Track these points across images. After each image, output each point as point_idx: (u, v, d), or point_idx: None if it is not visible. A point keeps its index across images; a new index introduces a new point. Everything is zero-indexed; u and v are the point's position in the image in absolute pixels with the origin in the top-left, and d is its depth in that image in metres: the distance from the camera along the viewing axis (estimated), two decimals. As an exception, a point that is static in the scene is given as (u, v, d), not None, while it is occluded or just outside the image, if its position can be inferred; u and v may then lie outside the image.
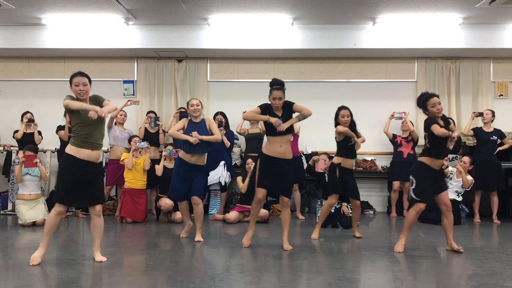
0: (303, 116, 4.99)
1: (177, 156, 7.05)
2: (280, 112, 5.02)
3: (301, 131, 7.81)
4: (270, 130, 5.01)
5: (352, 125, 5.70)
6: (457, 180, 7.06)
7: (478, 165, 7.28)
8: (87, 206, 4.46)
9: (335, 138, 5.77)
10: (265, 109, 5.06)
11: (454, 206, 6.66)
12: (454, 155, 7.82)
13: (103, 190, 4.58)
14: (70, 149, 4.27)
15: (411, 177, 5.05)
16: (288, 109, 5.03)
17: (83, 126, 4.23)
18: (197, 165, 5.49)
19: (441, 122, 4.89)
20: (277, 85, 5.03)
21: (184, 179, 5.47)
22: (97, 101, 4.33)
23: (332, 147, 7.32)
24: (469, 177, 7.00)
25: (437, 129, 4.75)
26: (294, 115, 5.05)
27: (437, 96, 4.95)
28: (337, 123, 5.72)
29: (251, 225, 5.25)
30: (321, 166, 6.84)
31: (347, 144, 5.69)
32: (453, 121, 4.97)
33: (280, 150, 4.98)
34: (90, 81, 4.37)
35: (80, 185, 4.27)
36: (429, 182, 4.91)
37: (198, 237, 5.52)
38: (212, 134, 5.51)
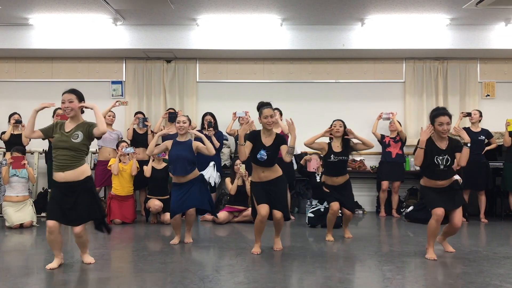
0: (292, 150, 4.83)
1: (165, 156, 7.06)
2: (270, 140, 4.88)
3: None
4: (254, 158, 4.89)
5: (345, 135, 5.64)
6: None
7: (466, 164, 7.33)
8: (68, 224, 4.39)
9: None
10: (254, 138, 4.89)
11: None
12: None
13: (87, 209, 4.27)
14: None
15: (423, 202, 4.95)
16: (278, 142, 4.90)
17: (53, 149, 4.33)
18: (189, 181, 5.34)
19: (441, 144, 4.71)
20: (265, 104, 4.94)
21: (180, 192, 5.31)
22: (87, 127, 4.24)
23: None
24: (457, 177, 7.05)
25: (415, 161, 4.74)
26: (283, 149, 4.87)
27: (450, 116, 4.72)
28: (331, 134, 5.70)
29: (257, 241, 4.97)
30: (313, 165, 6.85)
31: (327, 160, 5.60)
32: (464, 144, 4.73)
33: (263, 175, 4.89)
34: (80, 99, 4.29)
35: (63, 204, 4.21)
36: (433, 194, 4.73)
37: (188, 239, 5.50)
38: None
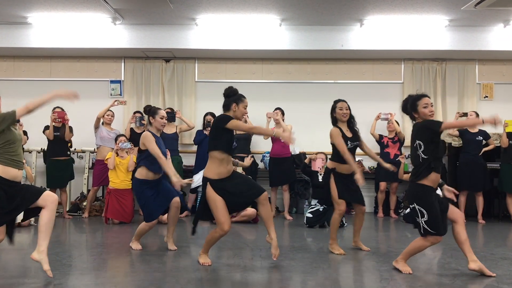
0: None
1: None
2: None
3: (289, 131, 7.82)
4: (228, 148, 4.38)
5: (351, 120, 5.09)
6: None
7: (463, 165, 7.38)
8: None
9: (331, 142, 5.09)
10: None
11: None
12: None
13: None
14: None
15: (416, 207, 4.02)
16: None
17: (10, 144, 3.88)
18: (158, 178, 5.10)
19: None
20: (240, 94, 4.43)
21: (157, 195, 5.03)
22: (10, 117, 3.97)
23: (319, 147, 7.41)
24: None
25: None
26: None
27: (429, 97, 4.17)
28: (333, 118, 5.06)
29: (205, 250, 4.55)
30: (319, 164, 6.84)
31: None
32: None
33: (227, 169, 4.34)
34: None
35: (9, 206, 3.76)
36: (438, 207, 4.01)
37: (172, 244, 5.09)
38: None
